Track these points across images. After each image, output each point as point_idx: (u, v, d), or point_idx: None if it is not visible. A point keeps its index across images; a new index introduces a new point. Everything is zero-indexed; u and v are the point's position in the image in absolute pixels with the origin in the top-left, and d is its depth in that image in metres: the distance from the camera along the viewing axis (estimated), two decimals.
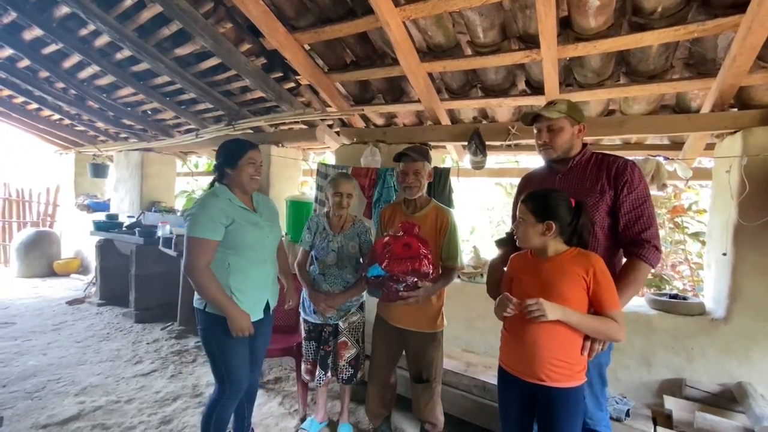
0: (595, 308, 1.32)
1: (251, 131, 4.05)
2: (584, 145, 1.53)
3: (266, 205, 1.86)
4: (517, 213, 1.42)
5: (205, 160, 6.42)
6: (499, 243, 1.77)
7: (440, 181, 2.94)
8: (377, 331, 1.99)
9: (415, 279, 1.60)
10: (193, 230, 1.58)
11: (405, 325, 1.87)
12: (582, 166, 1.50)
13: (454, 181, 3.13)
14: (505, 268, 1.54)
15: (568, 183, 1.51)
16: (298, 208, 3.64)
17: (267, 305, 1.77)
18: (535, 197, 1.37)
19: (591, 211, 1.43)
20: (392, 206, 2.02)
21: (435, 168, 2.95)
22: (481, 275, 2.86)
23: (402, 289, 1.61)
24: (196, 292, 1.67)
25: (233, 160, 1.70)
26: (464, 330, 2.81)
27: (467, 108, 2.88)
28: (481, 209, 7.58)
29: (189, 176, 5.56)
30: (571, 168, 1.51)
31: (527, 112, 1.57)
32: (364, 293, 2.13)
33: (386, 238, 1.68)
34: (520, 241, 1.41)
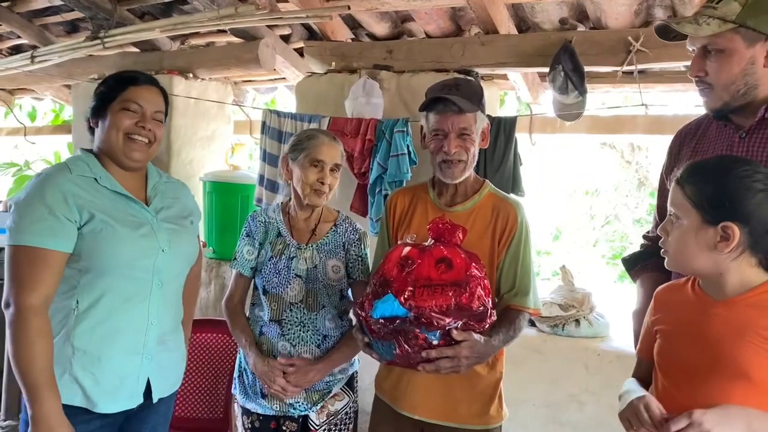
0: None
1: (136, 49, 4.06)
2: None
3: (172, 195, 1.89)
4: (669, 203, 1.39)
5: (49, 105, 6.44)
6: (634, 262, 1.77)
7: (497, 142, 2.95)
8: (379, 426, 2.02)
9: (461, 323, 1.63)
10: (19, 234, 1.58)
11: (430, 416, 1.89)
12: None
13: (524, 143, 3.12)
14: (647, 316, 1.53)
15: (756, 149, 1.51)
16: (225, 195, 3.67)
17: (148, 388, 1.77)
18: (701, 172, 1.33)
19: None
20: (410, 191, 2.04)
21: (488, 118, 2.93)
22: (577, 322, 2.88)
23: (437, 342, 1.64)
24: None
25: (101, 104, 1.73)
26: (543, 426, 2.84)
27: (548, 0, 2.88)
28: (576, 194, 7.61)
29: (18, 135, 5.59)
30: (763, 122, 1.51)
31: (661, 23, 1.56)
32: (357, 356, 2.16)
33: (405, 250, 1.71)
34: (671, 259, 1.37)
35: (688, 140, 1.69)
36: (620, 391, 1.47)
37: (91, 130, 1.79)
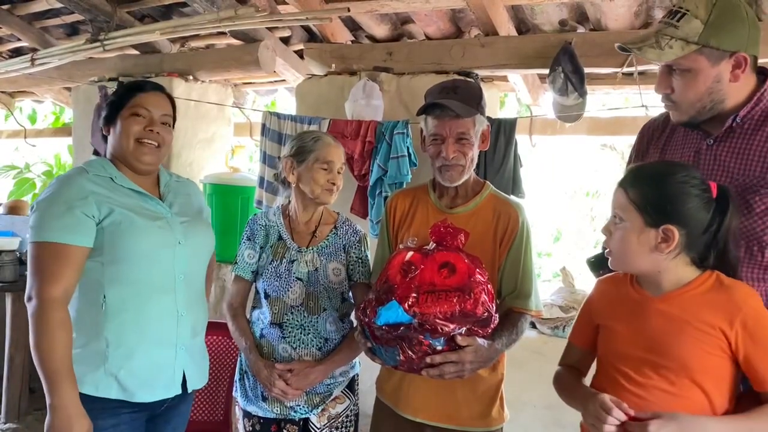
0: (753, 386, 1.35)
1: (135, 51, 4.06)
2: (763, 83, 1.52)
3: (184, 192, 1.96)
4: (612, 205, 1.45)
5: (49, 108, 6.45)
6: (599, 264, 1.78)
7: (497, 144, 2.95)
8: (380, 429, 2.01)
9: (465, 329, 1.62)
10: (40, 230, 1.65)
11: (432, 418, 1.89)
12: (753, 128, 1.48)
13: (524, 145, 3.12)
14: (586, 304, 1.60)
15: (723, 158, 1.52)
16: (225, 197, 3.66)
17: (183, 380, 1.85)
18: (644, 177, 1.40)
19: (754, 209, 1.43)
20: (410, 193, 2.04)
21: (488, 119, 2.93)
22: None
23: (441, 347, 1.64)
24: None
25: (111, 111, 1.81)
26: (544, 428, 2.83)
27: (548, 2, 2.89)
28: (576, 196, 7.60)
29: (18, 138, 5.60)
30: (731, 131, 1.52)
31: (620, 45, 1.55)
32: (358, 359, 2.16)
33: (408, 254, 1.71)
34: (615, 259, 1.44)
35: (655, 139, 1.69)
36: (567, 386, 1.55)
37: (104, 138, 1.86)
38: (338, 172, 2.06)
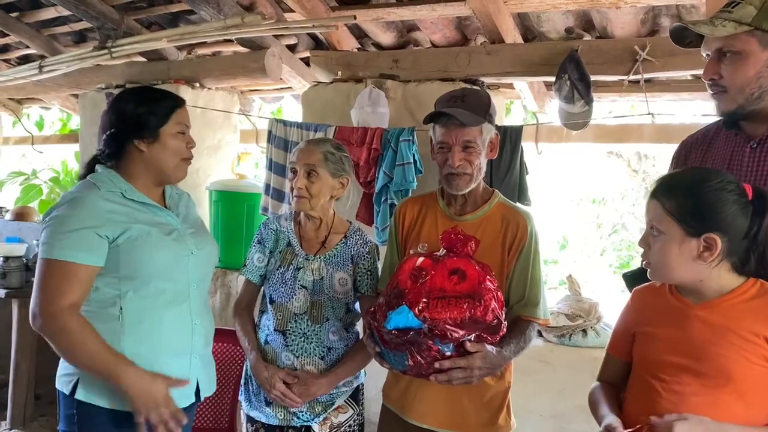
0: None
1: (143, 58, 4.09)
2: None
3: (185, 203, 1.98)
4: (647, 217, 1.44)
5: (56, 114, 6.48)
6: (636, 279, 1.77)
7: (503, 151, 2.95)
8: None
9: (475, 336, 1.63)
10: (51, 248, 1.65)
11: (439, 425, 1.88)
12: None
13: (530, 152, 3.12)
14: (623, 316, 1.57)
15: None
16: (231, 203, 3.68)
17: (197, 388, 1.85)
18: (678, 186, 1.39)
19: None
20: (419, 201, 2.05)
21: (495, 127, 2.93)
22: (584, 332, 2.87)
23: (450, 353, 1.65)
24: (60, 364, 1.72)
25: (150, 124, 1.76)
26: None
27: (553, 10, 2.89)
28: (582, 203, 7.60)
29: (26, 144, 5.63)
30: None
31: (678, 25, 1.57)
32: (362, 370, 2.15)
33: (419, 260, 1.72)
34: (654, 271, 1.43)
35: (695, 149, 1.69)
36: (594, 404, 1.52)
37: (116, 145, 1.80)
38: (308, 175, 2.02)
